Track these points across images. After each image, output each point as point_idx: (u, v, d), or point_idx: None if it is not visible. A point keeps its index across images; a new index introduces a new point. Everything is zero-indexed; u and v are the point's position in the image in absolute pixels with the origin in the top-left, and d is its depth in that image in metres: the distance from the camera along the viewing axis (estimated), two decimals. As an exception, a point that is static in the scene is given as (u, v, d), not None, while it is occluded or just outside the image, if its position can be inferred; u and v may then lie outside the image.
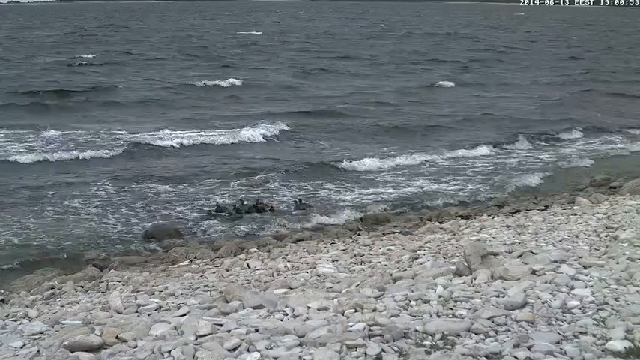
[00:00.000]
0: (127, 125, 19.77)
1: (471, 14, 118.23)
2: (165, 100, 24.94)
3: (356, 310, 4.75)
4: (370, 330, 4.20)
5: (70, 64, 35.06)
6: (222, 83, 28.66)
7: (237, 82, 29.07)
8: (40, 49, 44.57)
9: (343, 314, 4.68)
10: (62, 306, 7.01)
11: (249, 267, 8.31)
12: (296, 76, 32.61)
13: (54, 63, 35.64)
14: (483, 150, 17.24)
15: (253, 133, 18.57)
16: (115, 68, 33.91)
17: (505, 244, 7.78)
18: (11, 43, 49.71)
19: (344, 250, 8.95)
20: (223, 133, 18.66)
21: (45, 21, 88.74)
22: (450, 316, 4.52)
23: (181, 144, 17.33)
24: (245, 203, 12.16)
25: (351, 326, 4.28)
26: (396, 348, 3.97)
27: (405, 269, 6.98)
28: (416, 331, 4.20)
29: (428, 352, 3.90)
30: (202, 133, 18.74)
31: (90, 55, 39.16)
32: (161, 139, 17.68)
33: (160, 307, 6.27)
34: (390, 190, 13.61)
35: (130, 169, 14.89)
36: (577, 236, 7.97)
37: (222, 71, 33.13)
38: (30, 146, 16.77)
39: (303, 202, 12.39)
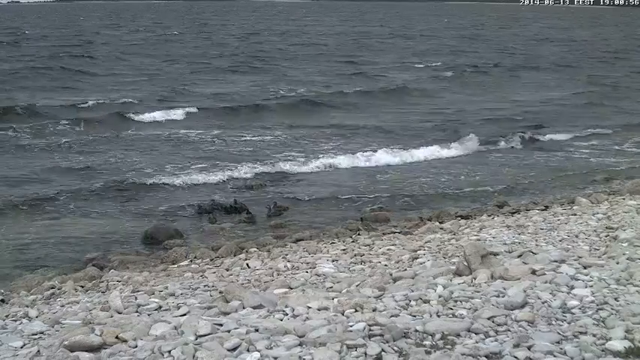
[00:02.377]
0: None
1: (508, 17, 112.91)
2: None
3: (356, 310, 4.75)
4: (370, 330, 4.20)
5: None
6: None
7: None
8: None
9: (343, 314, 4.69)
10: (62, 306, 7.01)
11: (249, 267, 8.31)
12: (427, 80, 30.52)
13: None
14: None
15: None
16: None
17: (505, 244, 7.78)
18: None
19: (344, 250, 8.95)
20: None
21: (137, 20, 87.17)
22: (450, 316, 4.52)
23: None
24: (220, 203, 12.09)
25: (351, 326, 4.29)
26: (396, 348, 3.98)
27: (405, 269, 6.98)
28: (416, 331, 4.20)
29: (428, 352, 3.91)
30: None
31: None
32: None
33: (160, 307, 6.27)
34: None
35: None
36: (577, 236, 7.97)
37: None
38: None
39: (278, 204, 12.20)
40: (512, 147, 17.65)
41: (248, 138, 18.29)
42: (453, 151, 16.95)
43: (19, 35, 57.55)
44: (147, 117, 21.03)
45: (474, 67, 35.80)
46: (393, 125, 20.58)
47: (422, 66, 36.85)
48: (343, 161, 15.67)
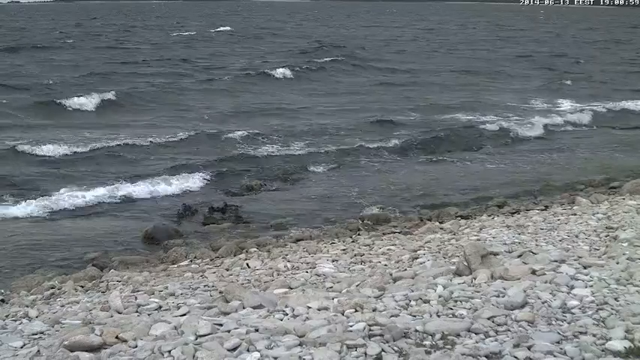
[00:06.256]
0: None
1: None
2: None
3: (356, 310, 4.75)
4: (370, 330, 4.20)
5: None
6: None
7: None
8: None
9: (343, 314, 4.69)
10: (62, 306, 7.01)
11: (249, 267, 8.31)
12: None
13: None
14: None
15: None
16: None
17: (505, 244, 7.77)
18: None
19: (344, 250, 8.95)
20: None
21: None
22: (450, 316, 4.52)
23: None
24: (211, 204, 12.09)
25: (351, 326, 4.29)
26: (396, 348, 3.98)
27: (405, 269, 6.98)
28: (416, 331, 4.20)
29: (428, 352, 3.91)
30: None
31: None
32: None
33: (160, 307, 6.27)
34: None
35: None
36: (577, 236, 7.97)
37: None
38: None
39: (229, 204, 12.13)
40: None
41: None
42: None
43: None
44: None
45: None
46: None
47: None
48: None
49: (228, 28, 69.46)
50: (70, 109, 21.95)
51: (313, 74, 32.32)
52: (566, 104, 24.96)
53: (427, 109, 23.17)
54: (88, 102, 22.42)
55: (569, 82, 30.32)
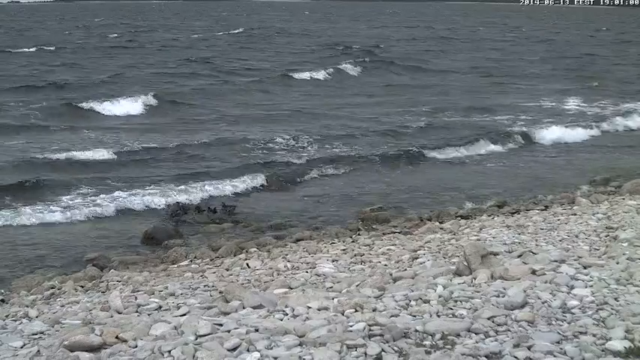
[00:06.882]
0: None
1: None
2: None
3: (356, 310, 4.75)
4: (370, 330, 4.21)
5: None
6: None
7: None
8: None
9: (343, 314, 4.69)
10: (62, 306, 7.01)
11: (249, 267, 8.31)
12: None
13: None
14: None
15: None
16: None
17: (505, 244, 7.78)
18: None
19: (344, 250, 8.95)
20: None
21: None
22: (450, 316, 4.52)
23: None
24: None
25: (351, 326, 4.29)
26: (396, 348, 3.98)
27: (405, 269, 6.98)
28: (416, 331, 4.21)
29: (428, 352, 3.91)
30: None
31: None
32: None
33: (160, 307, 6.28)
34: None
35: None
36: (577, 236, 7.98)
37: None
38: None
39: (227, 204, 12.13)
40: None
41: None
42: None
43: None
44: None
45: None
46: None
47: None
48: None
49: (241, 29, 69.49)
50: (84, 110, 21.91)
51: (328, 77, 32.33)
52: (577, 104, 24.93)
53: (436, 110, 23.14)
54: (97, 105, 22.36)
55: (596, 84, 29.87)
